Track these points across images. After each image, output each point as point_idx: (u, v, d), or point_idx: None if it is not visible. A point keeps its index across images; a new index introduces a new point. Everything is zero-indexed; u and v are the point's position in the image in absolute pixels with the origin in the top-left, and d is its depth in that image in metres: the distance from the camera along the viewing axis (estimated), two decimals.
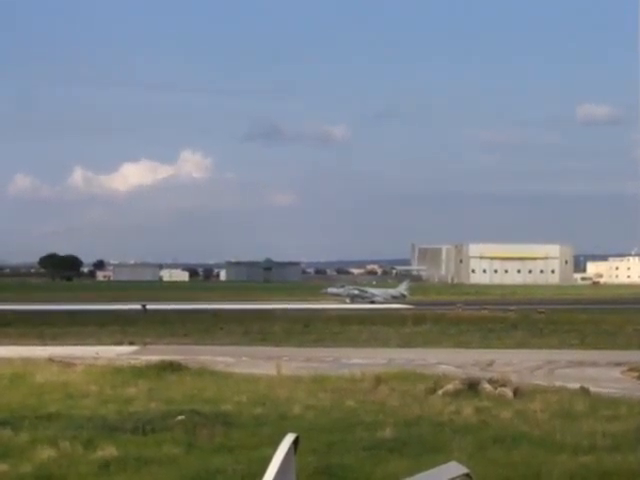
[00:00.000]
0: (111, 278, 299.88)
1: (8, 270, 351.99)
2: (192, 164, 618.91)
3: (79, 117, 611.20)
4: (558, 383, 33.65)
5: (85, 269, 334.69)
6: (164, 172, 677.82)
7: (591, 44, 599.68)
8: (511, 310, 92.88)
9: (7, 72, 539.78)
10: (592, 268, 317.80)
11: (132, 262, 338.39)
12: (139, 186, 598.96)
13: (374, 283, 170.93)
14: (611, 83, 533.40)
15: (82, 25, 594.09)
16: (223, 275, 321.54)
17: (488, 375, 34.50)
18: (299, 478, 6.52)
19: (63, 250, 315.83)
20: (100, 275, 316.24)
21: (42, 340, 57.30)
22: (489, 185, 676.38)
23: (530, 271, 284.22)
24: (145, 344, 54.90)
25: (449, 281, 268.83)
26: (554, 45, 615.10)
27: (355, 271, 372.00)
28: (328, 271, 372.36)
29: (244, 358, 46.16)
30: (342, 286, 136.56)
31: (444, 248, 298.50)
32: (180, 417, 23.51)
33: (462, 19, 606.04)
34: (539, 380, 35.81)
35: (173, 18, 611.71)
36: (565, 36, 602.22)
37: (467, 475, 6.79)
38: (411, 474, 6.82)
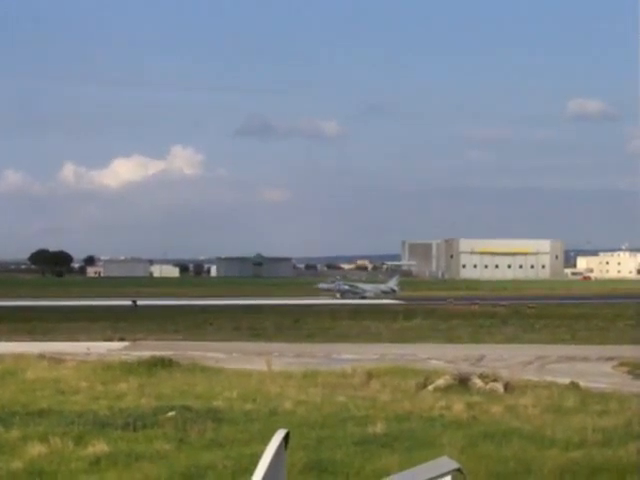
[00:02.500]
0: (101, 274, 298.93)
1: None
2: (183, 160, 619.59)
3: (70, 113, 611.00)
4: (549, 378, 33.74)
5: (75, 265, 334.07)
6: (155, 168, 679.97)
7: (585, 40, 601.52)
8: (502, 305, 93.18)
9: None
10: (583, 263, 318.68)
11: (122, 258, 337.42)
12: (130, 182, 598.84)
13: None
14: (604, 79, 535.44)
15: (75, 22, 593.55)
16: (214, 271, 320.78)
17: (479, 370, 34.53)
18: (289, 473, 6.53)
19: (53, 246, 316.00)
20: (91, 271, 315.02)
21: (33, 336, 57.25)
22: (480, 180, 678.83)
23: (521, 266, 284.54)
24: (136, 340, 54.88)
25: (440, 276, 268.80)
26: (547, 41, 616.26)
27: (345, 266, 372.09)
28: (319, 266, 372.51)
29: (235, 354, 46.13)
30: (333, 281, 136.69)
31: (434, 243, 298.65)
32: (171, 413, 23.49)
33: (455, 15, 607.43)
34: (530, 375, 35.86)
35: (166, 16, 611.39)
36: (559, 32, 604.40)
37: (458, 470, 6.79)
38: (402, 469, 6.83)
